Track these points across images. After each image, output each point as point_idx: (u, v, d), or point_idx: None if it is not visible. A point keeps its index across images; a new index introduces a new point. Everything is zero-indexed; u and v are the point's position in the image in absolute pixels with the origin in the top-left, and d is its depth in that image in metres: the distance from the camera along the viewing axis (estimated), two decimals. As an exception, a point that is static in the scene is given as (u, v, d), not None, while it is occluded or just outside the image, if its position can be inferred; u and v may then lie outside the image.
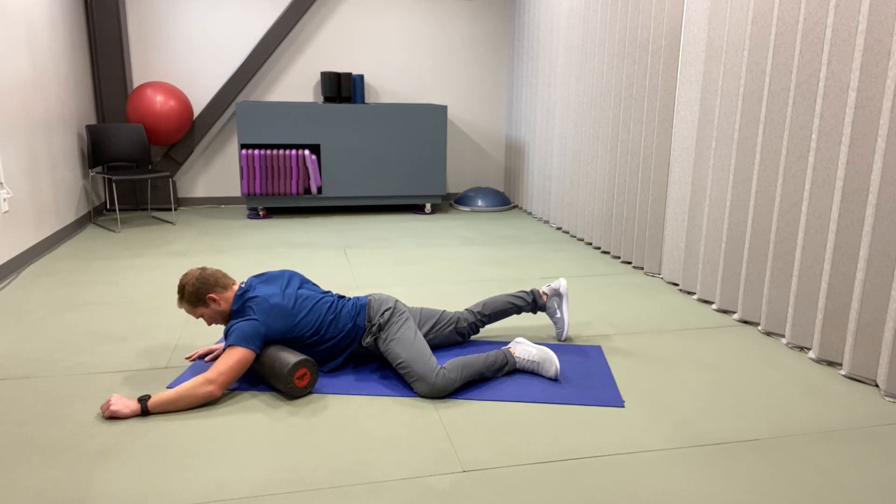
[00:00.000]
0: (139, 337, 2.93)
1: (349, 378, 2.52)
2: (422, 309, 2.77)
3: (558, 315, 2.92)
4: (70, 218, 5.02)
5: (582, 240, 5.03)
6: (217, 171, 6.32)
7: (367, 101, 6.47)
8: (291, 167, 5.63)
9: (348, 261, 4.33)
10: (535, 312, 2.97)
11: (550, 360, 2.51)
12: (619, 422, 2.22)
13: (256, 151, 5.54)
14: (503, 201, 6.47)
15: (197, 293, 2.46)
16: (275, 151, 5.58)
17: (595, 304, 3.49)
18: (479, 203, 6.38)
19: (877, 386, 2.52)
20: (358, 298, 2.61)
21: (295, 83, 6.30)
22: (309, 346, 2.49)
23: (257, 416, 2.22)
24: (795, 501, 1.79)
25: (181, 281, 2.49)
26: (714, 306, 3.42)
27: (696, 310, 3.41)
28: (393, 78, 6.49)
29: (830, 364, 2.73)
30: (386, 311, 2.53)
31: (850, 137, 2.52)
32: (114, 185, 5.24)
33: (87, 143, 5.38)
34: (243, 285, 2.51)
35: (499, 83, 6.75)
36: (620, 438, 2.11)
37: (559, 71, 5.24)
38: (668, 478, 1.89)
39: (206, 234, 5.11)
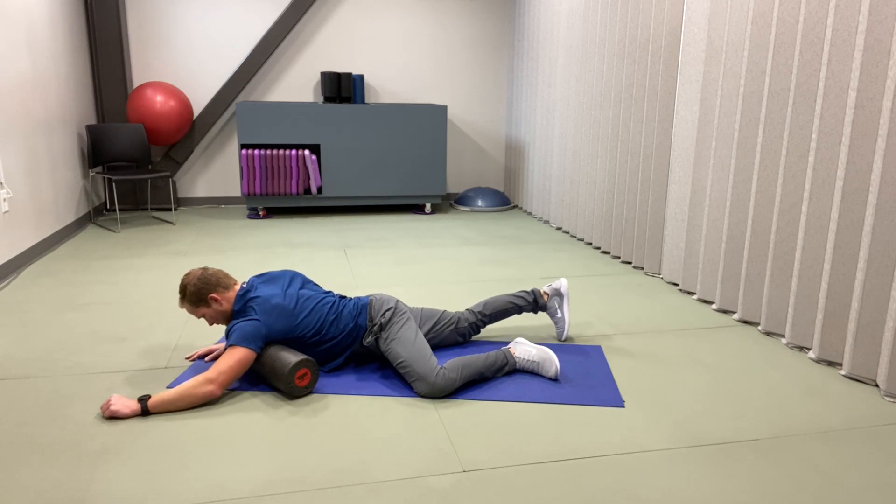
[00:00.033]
0: (139, 337, 2.93)
1: (350, 378, 2.52)
2: (422, 309, 2.77)
3: (559, 315, 2.92)
4: (70, 218, 5.02)
5: (582, 240, 5.03)
6: (217, 171, 6.32)
7: (367, 101, 6.47)
8: (291, 167, 5.63)
9: (348, 261, 4.33)
10: (536, 312, 2.97)
11: (550, 360, 2.51)
12: (619, 422, 2.22)
13: (256, 151, 5.54)
14: (503, 201, 6.48)
15: (199, 293, 2.46)
16: (275, 151, 5.58)
17: (595, 304, 3.49)
18: (479, 203, 6.38)
19: (877, 386, 2.52)
20: (359, 298, 2.61)
21: (295, 83, 6.30)
22: (310, 346, 2.49)
23: (258, 415, 2.22)
24: (795, 501, 1.79)
25: (183, 281, 2.49)
26: (714, 306, 3.42)
27: (696, 310, 3.41)
28: (393, 78, 6.49)
29: (830, 364, 2.73)
30: (387, 310, 2.53)
31: (850, 137, 2.52)
32: (114, 185, 5.24)
33: (87, 143, 5.38)
34: (245, 285, 2.51)
35: (499, 83, 6.75)
36: (620, 438, 2.11)
37: (559, 71, 5.24)
38: (668, 478, 1.89)
39: (206, 234, 5.11)
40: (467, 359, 2.44)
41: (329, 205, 6.36)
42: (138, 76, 5.97)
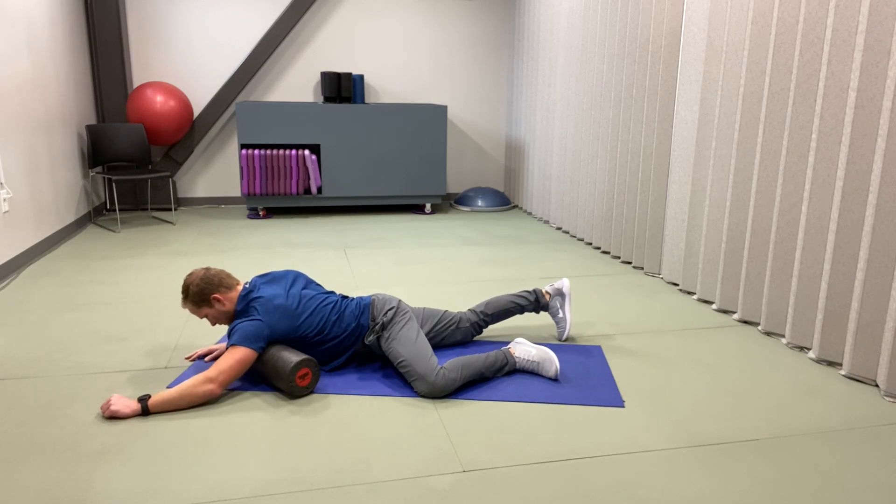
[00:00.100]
0: (139, 337, 2.93)
1: (351, 377, 2.52)
2: (424, 309, 2.78)
3: (560, 315, 2.92)
4: (70, 218, 5.02)
5: (582, 240, 5.03)
6: (217, 171, 6.32)
7: (367, 101, 6.47)
8: (291, 167, 5.63)
9: (348, 261, 4.33)
10: (537, 312, 2.98)
11: (550, 360, 2.51)
12: (619, 422, 2.22)
13: (256, 151, 5.54)
14: (503, 201, 6.48)
15: (201, 293, 2.46)
16: (275, 151, 5.58)
17: (595, 304, 3.49)
18: (479, 203, 6.38)
19: (877, 386, 2.52)
20: (361, 298, 2.62)
21: (295, 83, 6.30)
22: (313, 346, 2.49)
23: (258, 415, 2.22)
24: (795, 501, 1.79)
25: (185, 281, 2.49)
26: (714, 306, 3.42)
27: (696, 310, 3.41)
28: (393, 78, 6.49)
29: (830, 364, 2.73)
30: (389, 310, 2.53)
31: (850, 137, 2.52)
32: (114, 185, 5.24)
33: (87, 143, 5.38)
34: (247, 285, 2.52)
35: (499, 83, 6.75)
36: (620, 438, 2.11)
37: (559, 71, 5.24)
38: (668, 478, 1.89)
39: (206, 234, 5.11)
40: (467, 359, 2.44)
41: (329, 205, 6.36)
42: (138, 76, 5.97)
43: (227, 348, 2.34)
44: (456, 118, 6.73)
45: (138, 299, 3.46)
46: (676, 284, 3.84)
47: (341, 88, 6.04)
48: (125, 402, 2.20)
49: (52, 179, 4.70)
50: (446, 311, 2.82)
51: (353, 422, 2.19)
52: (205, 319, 3.15)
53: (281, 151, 5.58)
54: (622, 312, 3.36)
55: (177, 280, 3.83)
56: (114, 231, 5.15)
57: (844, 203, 2.58)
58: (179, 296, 3.53)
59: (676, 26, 3.71)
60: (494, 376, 2.52)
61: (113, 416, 2.17)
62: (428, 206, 6.13)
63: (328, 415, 2.23)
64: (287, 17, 6.01)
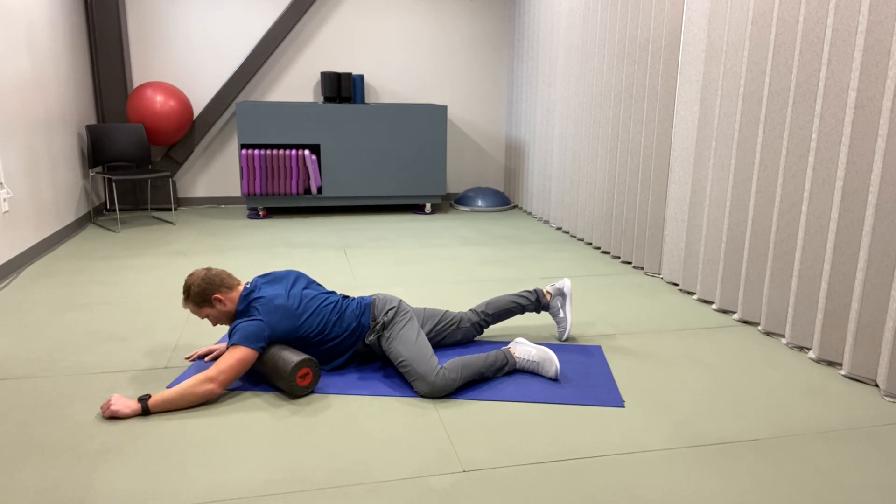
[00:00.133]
0: (139, 337, 2.93)
1: (351, 377, 2.52)
2: (425, 309, 2.78)
3: (561, 315, 2.92)
4: (70, 218, 5.02)
5: (582, 240, 5.03)
6: (217, 171, 6.32)
7: (367, 101, 6.47)
8: (291, 167, 5.63)
9: (348, 261, 4.33)
10: (538, 312, 2.98)
11: (550, 360, 2.51)
12: (619, 422, 2.22)
13: (256, 151, 5.54)
14: (503, 201, 6.48)
15: (202, 293, 2.46)
16: (275, 151, 5.58)
17: (595, 304, 3.49)
18: (479, 203, 6.38)
19: (877, 386, 2.52)
20: (362, 298, 2.62)
21: (295, 83, 6.30)
22: (314, 346, 2.49)
23: (258, 415, 2.22)
24: (795, 501, 1.79)
25: (187, 281, 2.49)
26: (714, 306, 3.42)
27: (696, 310, 3.41)
28: (393, 78, 6.49)
29: (830, 364, 2.73)
30: (390, 310, 2.53)
31: (850, 137, 2.52)
32: (114, 185, 5.24)
33: (87, 143, 5.38)
34: (248, 286, 2.52)
35: (499, 83, 6.75)
36: (620, 438, 2.11)
37: (559, 71, 5.24)
38: (668, 478, 1.89)
39: (206, 234, 5.11)
40: (467, 359, 2.44)
41: (329, 205, 6.36)
42: (138, 76, 5.98)
43: (227, 348, 2.35)
44: (456, 118, 6.73)
45: (138, 299, 3.46)
46: (676, 284, 3.84)
47: (341, 88, 6.04)
48: (125, 402, 2.20)
49: (52, 179, 4.70)
50: (447, 311, 2.82)
51: (353, 422, 2.19)
52: (205, 320, 3.15)
53: (281, 151, 5.58)
54: (622, 312, 3.36)
55: (177, 280, 3.83)
56: (114, 231, 5.15)
57: (844, 203, 2.58)
58: (180, 296, 3.53)
59: (676, 26, 3.71)
60: (494, 376, 2.52)
61: (113, 416, 2.17)
62: (428, 206, 6.13)
63: (328, 415, 2.23)
64: (287, 17, 6.01)
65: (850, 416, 2.29)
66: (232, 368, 2.27)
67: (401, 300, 2.60)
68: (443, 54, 6.54)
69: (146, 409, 2.20)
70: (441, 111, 5.90)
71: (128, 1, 5.82)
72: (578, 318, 3.25)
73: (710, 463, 1.97)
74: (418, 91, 6.56)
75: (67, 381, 2.47)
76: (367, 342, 2.52)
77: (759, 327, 3.13)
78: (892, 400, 2.41)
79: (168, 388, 2.42)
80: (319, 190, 5.81)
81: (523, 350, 2.58)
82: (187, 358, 2.69)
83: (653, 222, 3.99)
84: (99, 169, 5.74)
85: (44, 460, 1.94)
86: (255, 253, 4.50)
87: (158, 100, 5.56)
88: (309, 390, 2.36)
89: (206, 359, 2.68)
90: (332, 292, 2.65)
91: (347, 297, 2.64)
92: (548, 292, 2.95)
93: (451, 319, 2.79)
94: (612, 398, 2.38)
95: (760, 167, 3.05)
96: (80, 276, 3.89)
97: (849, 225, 2.59)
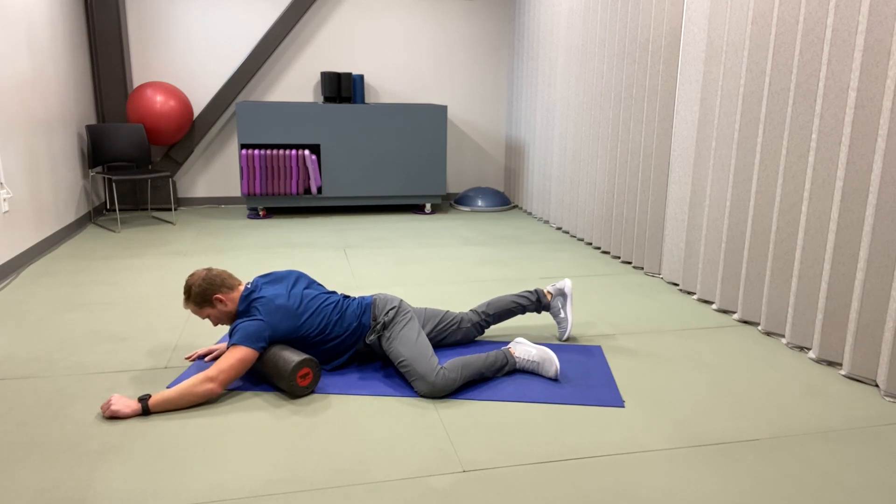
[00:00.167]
0: (139, 337, 2.93)
1: (351, 377, 2.52)
2: (426, 309, 2.78)
3: (562, 315, 2.92)
4: (70, 218, 5.02)
5: (582, 240, 5.03)
6: (217, 171, 6.32)
7: (367, 101, 6.47)
8: (291, 167, 5.63)
9: (348, 261, 4.33)
10: (539, 312, 2.98)
11: (550, 360, 2.51)
12: (619, 422, 2.22)
13: (256, 151, 5.54)
14: (503, 201, 6.48)
15: (203, 294, 2.46)
16: (275, 151, 5.58)
17: (595, 304, 3.49)
18: (479, 203, 6.38)
19: (877, 386, 2.52)
20: (363, 298, 2.62)
21: (295, 83, 6.30)
22: (314, 346, 2.49)
23: (258, 415, 2.22)
24: (795, 501, 1.79)
25: (187, 281, 2.50)
26: (714, 306, 3.42)
27: (696, 310, 3.41)
28: (393, 78, 6.49)
29: (830, 364, 2.73)
30: (391, 310, 2.53)
31: (850, 137, 2.52)
32: (114, 185, 5.24)
33: (87, 143, 5.38)
34: (249, 286, 2.52)
35: (499, 83, 6.75)
36: (620, 438, 2.11)
37: (559, 71, 5.24)
38: (668, 478, 1.89)
39: (206, 234, 5.11)
40: (467, 359, 2.44)
41: (329, 205, 6.36)
42: (138, 76, 5.98)
43: (228, 348, 2.35)
44: (456, 118, 6.73)
45: (138, 299, 3.46)
46: (676, 284, 3.84)
47: (341, 88, 6.04)
48: (125, 402, 2.20)
49: (52, 179, 4.70)
50: (448, 311, 2.82)
51: (352, 422, 2.19)
52: (206, 320, 3.15)
53: (281, 151, 5.58)
54: (622, 312, 3.36)
55: (177, 280, 3.83)
56: (114, 231, 5.15)
57: (844, 203, 2.58)
58: (180, 296, 3.53)
59: (676, 26, 3.71)
60: (494, 376, 2.52)
61: (113, 416, 2.17)
62: (428, 206, 6.13)
63: (328, 415, 2.23)
64: (287, 17, 6.01)
65: (850, 416, 2.29)
66: (232, 368, 2.27)
67: (401, 300, 2.60)
68: (443, 54, 6.54)
69: (146, 409, 2.20)
70: (441, 111, 5.90)
71: (128, 1, 5.82)
72: (578, 318, 3.25)
73: (710, 463, 1.97)
74: (418, 91, 6.56)
75: (67, 381, 2.47)
76: (367, 342, 2.52)
77: (759, 327, 3.13)
78: (892, 400, 2.41)
79: (168, 387, 2.42)
80: (319, 190, 5.81)
81: (523, 350, 2.58)
82: (187, 358, 2.69)
83: (653, 222, 3.99)
84: (99, 169, 5.74)
85: (44, 460, 1.94)
86: (255, 253, 4.50)
87: (158, 100, 5.56)
88: (309, 390, 2.36)
89: (207, 359, 2.68)
90: (333, 292, 2.65)
91: (348, 297, 2.64)
92: (548, 292, 2.95)
93: (452, 320, 2.79)
94: (612, 398, 2.38)
95: (760, 167, 3.05)
96: (80, 276, 3.89)
97: (849, 225, 2.59)
